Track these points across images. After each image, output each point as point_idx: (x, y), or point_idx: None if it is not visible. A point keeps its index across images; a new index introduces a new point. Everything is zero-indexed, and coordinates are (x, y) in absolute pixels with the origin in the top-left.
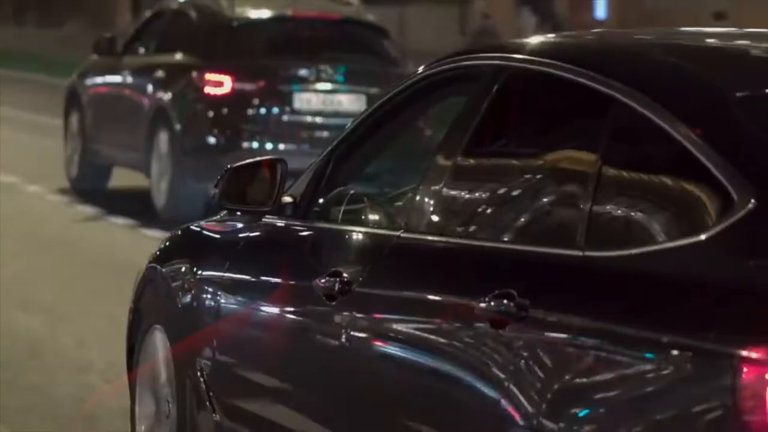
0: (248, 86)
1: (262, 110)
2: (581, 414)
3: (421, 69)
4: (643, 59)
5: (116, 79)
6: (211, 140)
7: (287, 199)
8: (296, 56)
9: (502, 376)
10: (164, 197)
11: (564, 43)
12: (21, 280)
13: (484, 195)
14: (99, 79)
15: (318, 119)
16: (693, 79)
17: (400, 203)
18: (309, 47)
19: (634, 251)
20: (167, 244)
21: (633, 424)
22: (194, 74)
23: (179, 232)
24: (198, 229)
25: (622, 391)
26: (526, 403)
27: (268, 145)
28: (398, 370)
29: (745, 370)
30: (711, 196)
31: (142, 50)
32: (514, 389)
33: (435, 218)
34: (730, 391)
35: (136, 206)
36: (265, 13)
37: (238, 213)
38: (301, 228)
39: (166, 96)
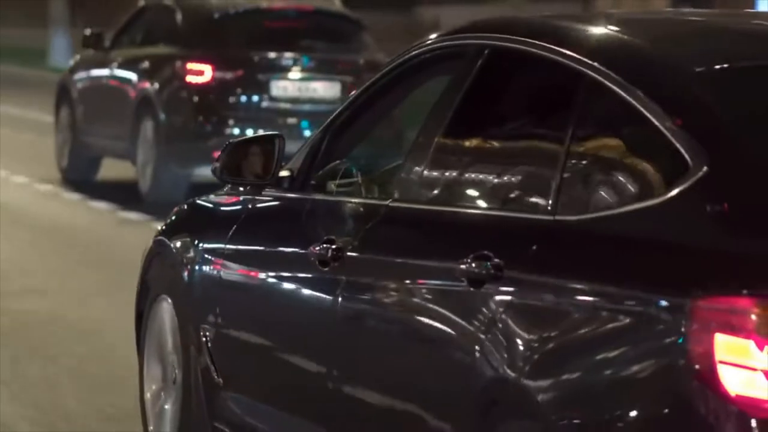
0: (228, 75)
1: (242, 98)
2: (554, 364)
3: (409, 48)
4: (613, 38)
5: (104, 72)
6: (193, 127)
7: (284, 172)
8: (273, 46)
9: (480, 331)
10: (149, 182)
11: (542, 23)
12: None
13: (465, 166)
14: (87, 73)
15: (294, 106)
16: (655, 55)
17: (389, 176)
18: (285, 37)
19: (599, 214)
20: (174, 218)
21: (600, 373)
22: (177, 64)
23: (185, 207)
24: (202, 203)
25: (589, 341)
26: (500, 357)
27: (248, 131)
28: (386, 328)
29: (694, 319)
30: (669, 163)
31: (128, 44)
32: (490, 344)
33: (420, 188)
34: (684, 338)
35: (122, 194)
36: (243, 6)
37: (239, 187)
38: (298, 200)
39: (151, 86)
